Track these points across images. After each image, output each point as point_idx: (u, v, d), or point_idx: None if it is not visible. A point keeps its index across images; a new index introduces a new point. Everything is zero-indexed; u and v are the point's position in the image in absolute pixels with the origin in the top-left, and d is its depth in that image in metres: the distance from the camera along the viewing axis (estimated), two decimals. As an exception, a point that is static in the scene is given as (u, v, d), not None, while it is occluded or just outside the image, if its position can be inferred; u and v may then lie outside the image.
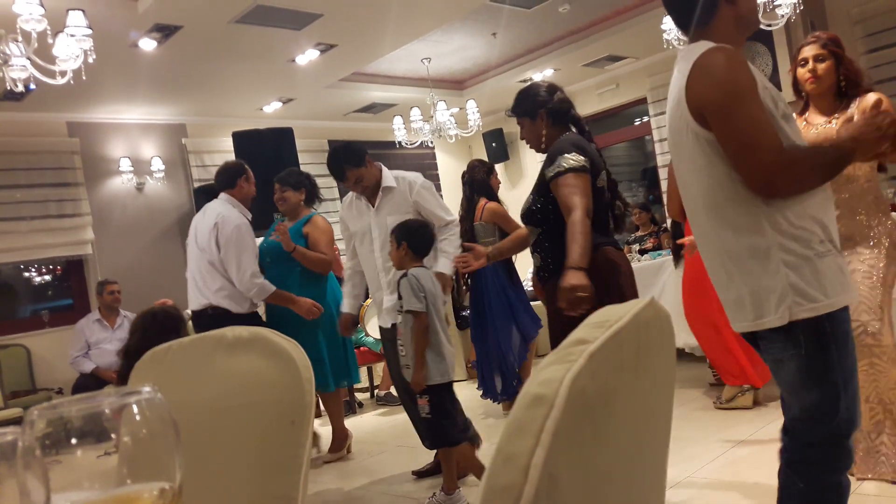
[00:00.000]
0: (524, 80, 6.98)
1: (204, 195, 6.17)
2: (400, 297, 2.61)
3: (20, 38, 3.11)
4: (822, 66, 2.26)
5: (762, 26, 4.39)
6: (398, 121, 6.35)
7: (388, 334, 3.00)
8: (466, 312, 5.69)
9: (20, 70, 3.17)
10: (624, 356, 0.52)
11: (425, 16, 4.93)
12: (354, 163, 2.92)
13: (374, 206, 3.00)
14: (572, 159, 2.12)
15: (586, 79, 7.25)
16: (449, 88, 7.23)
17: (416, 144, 6.62)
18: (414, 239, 2.67)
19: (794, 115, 2.14)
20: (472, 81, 7.29)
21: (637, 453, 0.57)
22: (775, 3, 4.30)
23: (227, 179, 3.55)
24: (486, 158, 8.43)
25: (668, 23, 4.49)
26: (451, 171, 8.81)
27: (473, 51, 6.36)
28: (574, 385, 0.45)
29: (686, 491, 2.51)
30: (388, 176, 3.01)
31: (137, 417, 0.47)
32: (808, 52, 2.30)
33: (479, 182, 4.07)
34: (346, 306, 3.18)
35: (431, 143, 7.29)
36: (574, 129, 2.32)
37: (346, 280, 3.21)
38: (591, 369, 0.46)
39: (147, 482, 0.47)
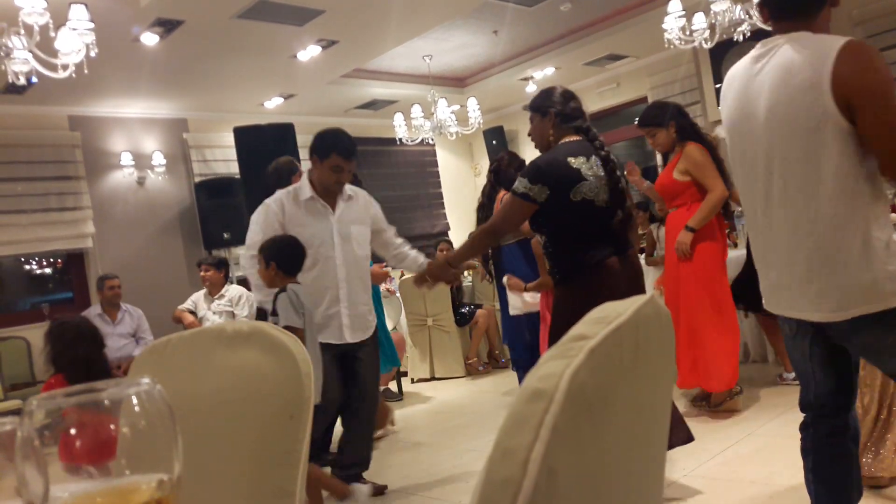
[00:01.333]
0: (525, 79, 6.98)
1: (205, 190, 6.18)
2: (275, 314, 2.49)
3: (22, 32, 3.11)
4: None
5: (764, 26, 4.38)
6: (399, 118, 6.35)
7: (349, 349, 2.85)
8: (465, 309, 5.71)
9: (22, 63, 3.17)
10: (624, 352, 0.52)
11: (427, 13, 4.93)
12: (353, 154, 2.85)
13: (333, 211, 2.86)
14: (521, 184, 2.30)
15: (587, 77, 7.24)
16: (450, 86, 7.23)
17: (417, 141, 6.62)
18: (283, 258, 2.58)
19: None
20: (473, 79, 7.28)
21: (635, 449, 0.57)
22: (778, 3, 4.29)
23: (282, 178, 3.31)
24: (486, 156, 8.46)
25: (668, 22, 4.48)
26: (451, 168, 8.81)
27: (475, 48, 6.35)
28: (574, 380, 0.45)
29: (684, 488, 2.51)
30: (347, 186, 2.92)
31: (136, 409, 0.47)
32: None
33: (505, 176, 4.07)
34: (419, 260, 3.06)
35: (432, 140, 7.29)
36: (581, 136, 2.39)
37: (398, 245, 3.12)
38: (591, 365, 0.46)
39: (146, 474, 0.47)
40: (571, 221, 2.29)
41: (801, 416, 1.72)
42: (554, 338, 2.38)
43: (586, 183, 2.26)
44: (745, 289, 3.69)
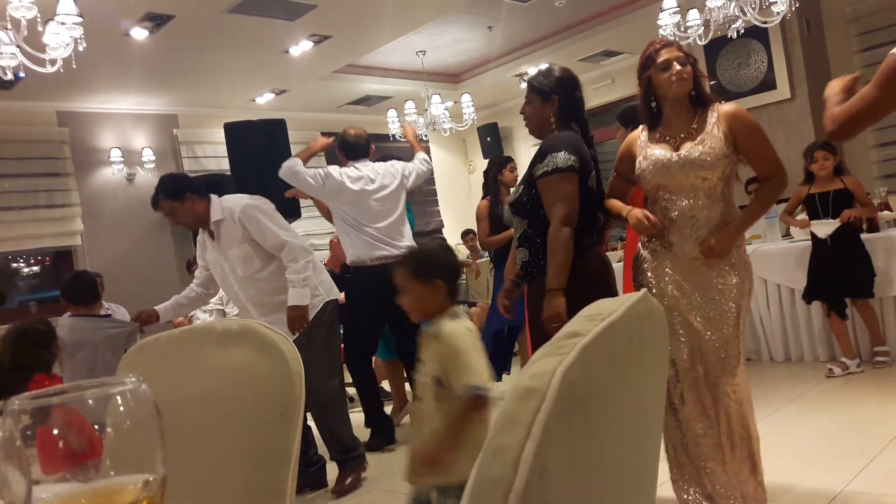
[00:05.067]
0: (519, 75, 6.97)
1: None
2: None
3: (9, 26, 3.07)
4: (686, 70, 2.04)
5: (757, 23, 4.40)
6: (392, 113, 6.33)
7: None
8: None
9: (9, 58, 3.14)
10: (616, 350, 0.51)
11: (421, 8, 4.91)
12: (169, 194, 2.85)
13: (215, 241, 2.95)
14: (561, 158, 2.10)
15: (581, 74, 7.14)
16: (444, 82, 7.21)
17: (410, 138, 6.60)
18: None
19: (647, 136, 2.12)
20: (467, 75, 7.27)
21: (628, 447, 0.56)
22: (771, 1, 4.30)
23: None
24: (480, 153, 8.45)
25: (663, 18, 4.48)
26: (445, 164, 8.80)
27: (469, 44, 6.34)
28: (565, 378, 0.44)
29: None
30: (217, 208, 2.92)
31: (121, 409, 0.46)
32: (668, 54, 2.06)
33: (486, 181, 4.23)
34: (163, 307, 3.08)
35: (426, 136, 7.27)
36: (577, 130, 2.28)
37: (174, 298, 3.13)
38: (583, 362, 0.46)
39: (131, 474, 0.46)
40: (582, 207, 2.15)
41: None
42: (536, 333, 2.26)
43: (594, 172, 2.24)
44: (823, 286, 3.74)
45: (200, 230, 3.01)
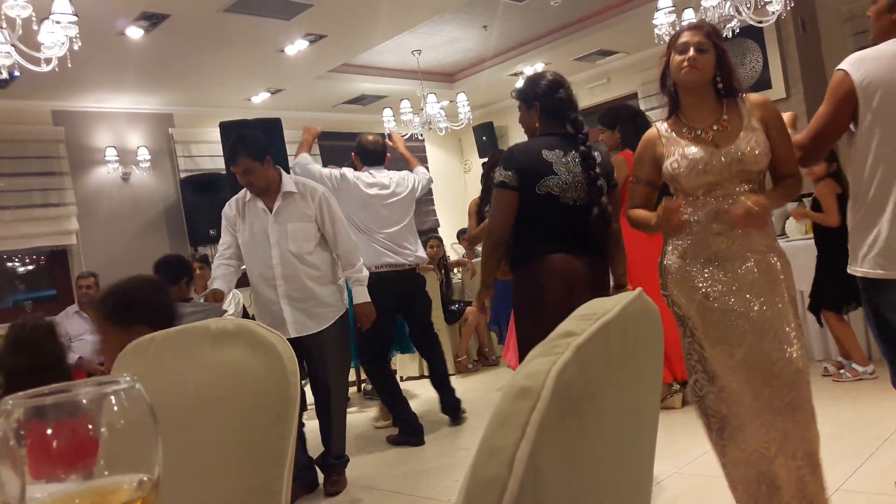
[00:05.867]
0: (515, 74, 6.97)
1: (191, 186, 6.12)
2: None
3: (4, 25, 3.06)
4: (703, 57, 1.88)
5: (752, 23, 4.41)
6: (388, 113, 6.32)
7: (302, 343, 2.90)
8: (454, 307, 5.70)
9: (4, 57, 3.12)
10: (611, 349, 0.52)
11: (416, 7, 4.90)
12: (253, 153, 2.84)
13: (271, 211, 2.92)
14: (498, 174, 2.30)
15: (577, 73, 7.25)
16: (439, 81, 7.21)
17: (406, 137, 6.59)
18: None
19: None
20: (462, 74, 7.27)
21: (624, 447, 0.56)
22: (766, 0, 4.32)
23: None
24: (476, 152, 8.44)
25: (659, 17, 4.49)
26: (441, 163, 8.79)
27: (464, 43, 6.34)
28: (560, 377, 0.44)
29: (675, 486, 2.52)
30: (288, 181, 2.95)
31: (115, 408, 0.46)
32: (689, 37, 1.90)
33: (483, 177, 4.28)
34: (222, 283, 3.01)
35: (421, 135, 7.27)
36: (571, 129, 2.34)
37: (220, 274, 3.03)
38: (578, 362, 0.46)
39: (125, 474, 0.46)
40: (531, 213, 2.25)
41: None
42: (516, 319, 2.44)
43: (555, 178, 2.22)
44: (826, 292, 3.60)
45: (248, 199, 2.97)
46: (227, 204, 3.05)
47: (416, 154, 8.35)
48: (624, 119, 3.43)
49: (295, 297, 2.92)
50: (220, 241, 3.07)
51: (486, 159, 8.46)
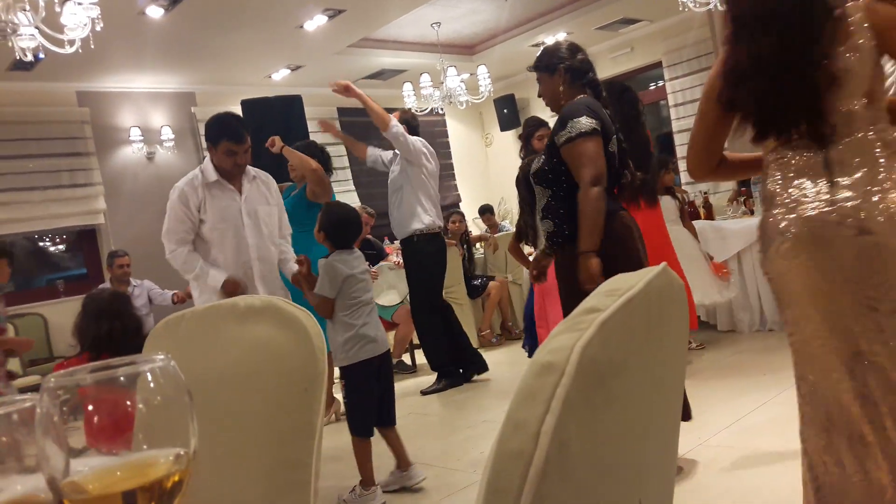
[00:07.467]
0: (536, 45, 6.86)
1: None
2: None
3: (28, 7, 3.09)
4: None
5: None
6: (408, 87, 6.28)
7: None
8: (477, 282, 5.71)
9: (29, 39, 3.16)
10: (635, 324, 0.52)
11: (435, -21, 4.83)
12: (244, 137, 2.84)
13: (241, 193, 2.88)
14: (583, 123, 2.11)
15: (600, 42, 7.11)
16: (459, 54, 7.13)
17: (427, 111, 6.55)
18: (336, 230, 2.59)
19: None
20: (482, 46, 7.17)
21: (648, 421, 0.57)
22: None
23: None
24: (497, 125, 8.36)
25: (684, -17, 4.37)
26: (461, 138, 8.73)
27: (484, 14, 6.24)
28: (584, 353, 0.44)
29: (699, 458, 2.53)
30: (249, 167, 2.94)
31: (151, 385, 0.47)
32: None
33: (523, 141, 4.15)
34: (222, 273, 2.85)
35: (442, 110, 7.22)
36: (590, 93, 2.30)
37: (194, 258, 2.85)
38: (602, 337, 0.46)
39: (162, 448, 0.48)
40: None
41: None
42: (567, 301, 2.27)
43: (615, 138, 2.22)
44: None
45: (213, 180, 2.84)
46: (179, 190, 2.83)
47: (436, 128, 8.34)
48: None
49: (269, 277, 2.95)
50: (169, 229, 2.83)
51: (510, 131, 8.30)
